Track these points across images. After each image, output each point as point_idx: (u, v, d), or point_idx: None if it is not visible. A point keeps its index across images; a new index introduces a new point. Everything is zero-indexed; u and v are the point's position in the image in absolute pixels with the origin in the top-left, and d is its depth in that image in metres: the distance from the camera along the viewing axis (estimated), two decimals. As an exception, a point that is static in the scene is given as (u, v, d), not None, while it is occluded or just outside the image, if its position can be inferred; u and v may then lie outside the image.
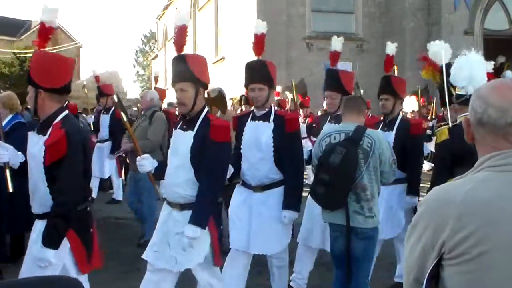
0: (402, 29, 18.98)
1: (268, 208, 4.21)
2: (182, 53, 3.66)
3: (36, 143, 3.27)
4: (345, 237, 3.83)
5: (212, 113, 5.12)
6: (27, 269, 3.24)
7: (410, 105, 11.18)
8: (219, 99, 5.94)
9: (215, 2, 24.06)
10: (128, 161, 9.05)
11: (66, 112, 3.37)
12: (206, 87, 3.70)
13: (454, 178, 1.57)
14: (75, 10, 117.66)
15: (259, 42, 4.52)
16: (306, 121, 11.61)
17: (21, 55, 29.16)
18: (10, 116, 5.44)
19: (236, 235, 4.26)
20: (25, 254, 3.41)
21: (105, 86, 9.75)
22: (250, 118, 4.37)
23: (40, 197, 3.27)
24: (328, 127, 4.70)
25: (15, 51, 30.09)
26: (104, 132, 9.56)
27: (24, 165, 3.44)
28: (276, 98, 13.74)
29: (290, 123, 4.25)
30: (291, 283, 4.82)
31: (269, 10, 18.05)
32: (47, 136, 3.22)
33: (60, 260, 3.24)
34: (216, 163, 3.50)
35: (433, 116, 11.93)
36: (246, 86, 4.32)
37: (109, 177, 9.88)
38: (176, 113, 7.56)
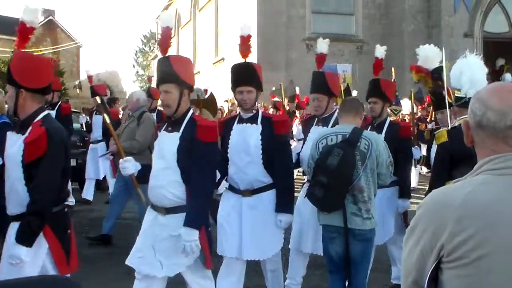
0: (402, 31, 19.02)
1: (258, 212, 4.15)
2: (166, 55, 3.68)
3: (15, 142, 3.24)
4: (342, 239, 3.83)
5: (202, 115, 5.10)
6: (5, 272, 3.16)
7: (408, 107, 11.23)
8: (210, 101, 5.87)
9: (215, 2, 24.08)
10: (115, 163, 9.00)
11: (47, 112, 3.36)
12: (191, 88, 3.69)
13: (452, 181, 1.57)
14: (75, 10, 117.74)
15: (246, 44, 4.47)
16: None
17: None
18: None
19: (227, 243, 4.18)
20: None
21: (98, 86, 9.65)
22: (236, 121, 4.31)
23: (18, 197, 3.21)
24: (315, 129, 4.66)
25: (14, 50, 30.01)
26: (97, 132, 9.47)
27: (1, 168, 3.39)
28: (273, 99, 13.78)
29: (278, 125, 4.22)
30: None
31: (269, 11, 18.08)
32: (26, 134, 3.19)
33: (38, 259, 3.19)
34: (206, 163, 3.49)
35: (432, 119, 11.95)
36: (233, 88, 4.27)
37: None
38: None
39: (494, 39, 19.22)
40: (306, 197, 4.06)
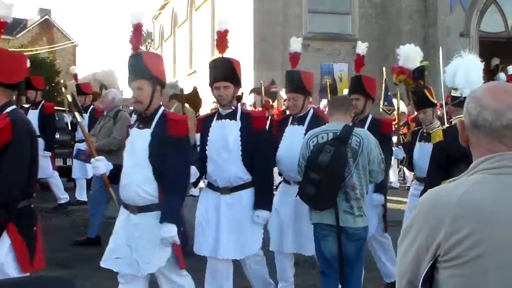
0: (399, 31, 19.01)
1: (237, 211, 4.09)
2: (138, 51, 3.66)
3: None
4: (335, 237, 3.81)
5: (185, 112, 5.04)
6: None
7: (402, 106, 11.29)
8: (193, 97, 5.79)
9: (211, 2, 24.04)
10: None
11: (14, 106, 3.29)
12: (163, 85, 3.66)
13: (448, 180, 1.57)
14: (71, 9, 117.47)
15: (222, 40, 4.41)
16: None
17: (17, 54, 29.01)
18: None
19: (203, 241, 4.11)
20: None
21: (84, 84, 9.58)
22: (215, 117, 4.26)
23: None
24: (291, 129, 4.60)
25: (11, 49, 29.95)
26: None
27: None
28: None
29: (257, 121, 4.19)
30: None
31: (266, 10, 18.04)
32: None
33: None
34: (179, 158, 3.46)
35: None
36: (211, 84, 4.21)
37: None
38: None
39: (490, 38, 19.24)
40: (297, 196, 4.00)
